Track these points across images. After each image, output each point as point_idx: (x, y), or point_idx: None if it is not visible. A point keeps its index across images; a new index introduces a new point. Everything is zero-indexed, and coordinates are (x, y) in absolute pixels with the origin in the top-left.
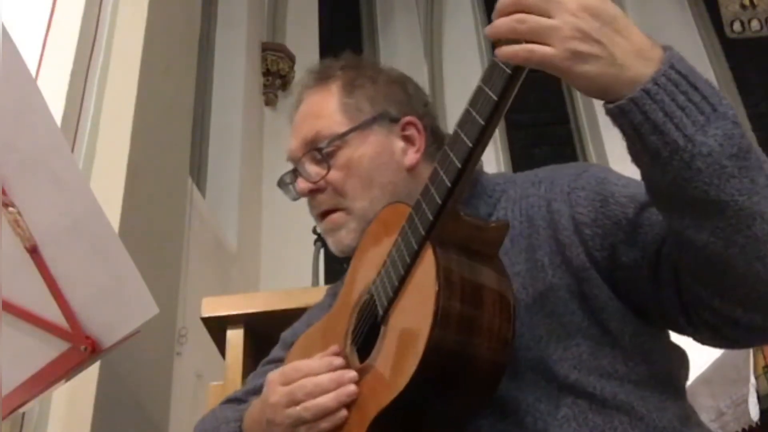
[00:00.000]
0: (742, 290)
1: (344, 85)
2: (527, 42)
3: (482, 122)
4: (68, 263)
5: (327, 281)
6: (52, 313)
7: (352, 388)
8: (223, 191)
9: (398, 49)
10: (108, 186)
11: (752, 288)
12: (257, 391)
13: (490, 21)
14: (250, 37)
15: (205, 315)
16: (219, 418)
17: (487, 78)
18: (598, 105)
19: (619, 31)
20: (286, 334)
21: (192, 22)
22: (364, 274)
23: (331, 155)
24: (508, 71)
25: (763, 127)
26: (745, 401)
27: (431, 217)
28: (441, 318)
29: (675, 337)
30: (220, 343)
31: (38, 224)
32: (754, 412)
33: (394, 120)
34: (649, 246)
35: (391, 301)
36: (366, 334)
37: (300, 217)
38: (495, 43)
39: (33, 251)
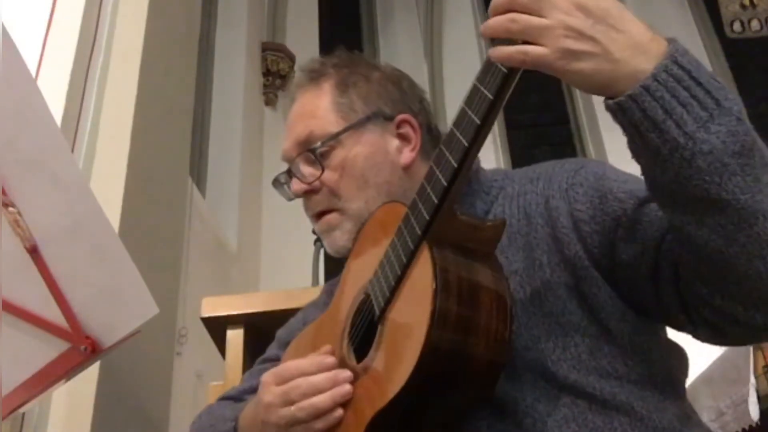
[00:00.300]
0: (742, 288)
1: (337, 83)
2: (522, 42)
3: (478, 121)
4: (68, 263)
5: (327, 281)
6: (52, 313)
7: (347, 387)
8: (223, 191)
9: (398, 49)
10: (108, 186)
11: (753, 286)
12: (254, 389)
13: None
14: (250, 37)
15: (205, 315)
16: (216, 416)
17: (483, 76)
18: (598, 105)
19: (614, 25)
20: (281, 333)
21: (192, 22)
22: (361, 273)
23: (325, 156)
24: (504, 70)
25: (763, 127)
26: (745, 401)
27: (427, 217)
28: (438, 318)
29: (674, 336)
30: (220, 343)
31: (38, 224)
32: (754, 412)
33: (389, 118)
34: (649, 242)
35: (388, 301)
36: (363, 334)
37: (300, 217)
38: (492, 42)
39: (33, 251)
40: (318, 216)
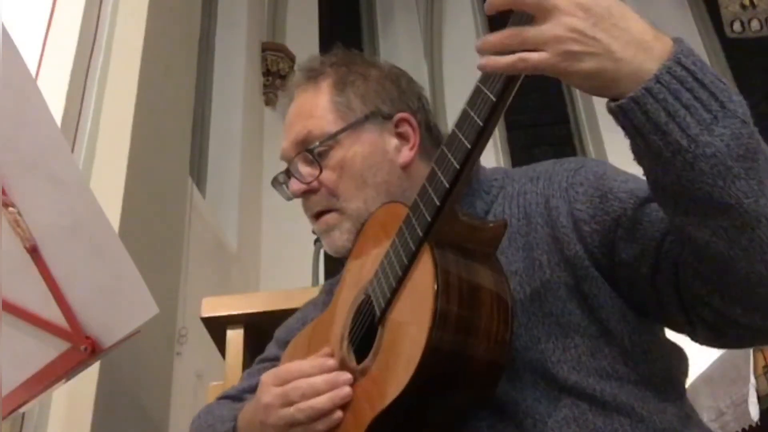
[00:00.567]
0: (742, 290)
1: (335, 82)
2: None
3: (481, 123)
4: (68, 263)
5: (327, 281)
6: (52, 313)
7: (347, 390)
8: (223, 191)
9: (398, 49)
10: (108, 186)
11: (753, 289)
12: (253, 389)
13: (490, 21)
14: (250, 37)
15: (205, 315)
16: (215, 416)
17: (486, 78)
18: (598, 105)
19: (616, 24)
20: (280, 332)
21: (192, 22)
22: (361, 274)
23: (323, 155)
24: None
25: (764, 127)
26: (745, 401)
27: (429, 218)
28: (439, 319)
29: (674, 336)
30: (220, 343)
31: (38, 224)
32: (754, 412)
33: (387, 117)
34: (649, 242)
35: (389, 303)
36: (363, 335)
37: (300, 217)
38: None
39: (33, 251)
40: (317, 216)
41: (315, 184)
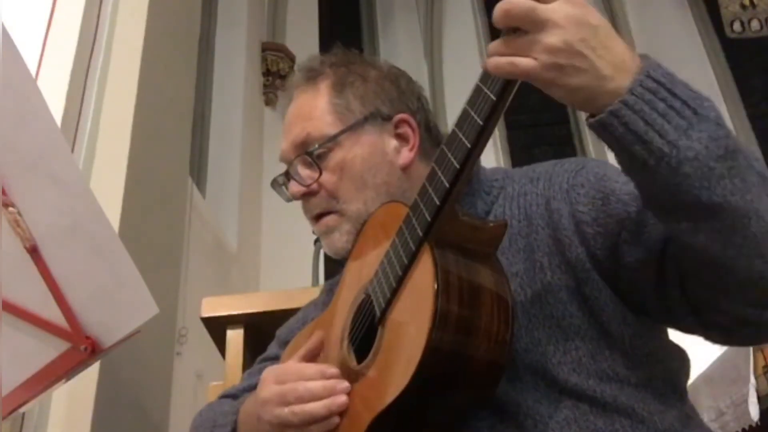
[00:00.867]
0: (746, 289)
1: (334, 83)
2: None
3: (481, 123)
4: (68, 263)
5: (327, 281)
6: (52, 313)
7: (343, 399)
8: (223, 191)
9: (398, 49)
10: (108, 186)
11: (756, 286)
12: (253, 388)
13: (490, 21)
14: (250, 37)
15: (205, 315)
16: (216, 412)
17: (486, 77)
18: None
19: (602, 42)
20: (281, 332)
21: (192, 22)
22: (361, 274)
23: (322, 158)
24: None
25: (763, 127)
26: (745, 401)
27: (429, 218)
28: (440, 319)
29: (674, 336)
30: (220, 343)
31: (38, 224)
32: (754, 412)
33: (387, 118)
34: (655, 245)
35: (389, 302)
36: (363, 335)
37: (300, 217)
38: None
39: (33, 251)
40: (317, 218)
41: (315, 186)
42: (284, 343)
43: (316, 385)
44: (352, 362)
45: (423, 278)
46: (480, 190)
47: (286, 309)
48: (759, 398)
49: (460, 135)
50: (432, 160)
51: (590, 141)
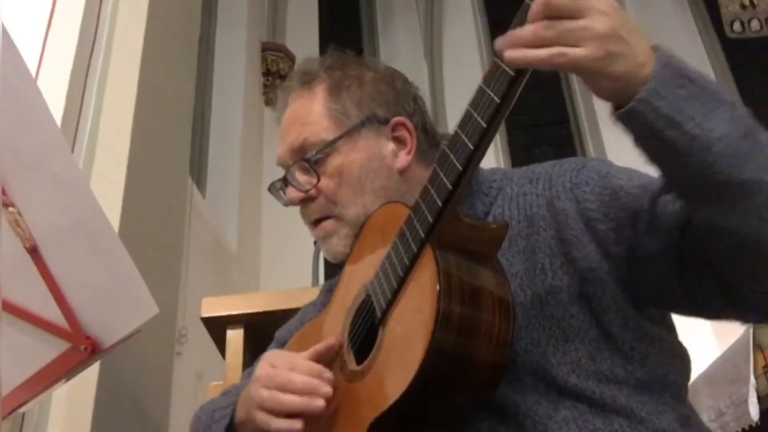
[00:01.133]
0: None
1: (330, 87)
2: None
3: (484, 125)
4: (68, 263)
5: (326, 281)
6: (52, 313)
7: (320, 403)
8: (223, 191)
9: (398, 49)
10: (108, 186)
11: None
12: None
13: (490, 21)
14: (250, 37)
15: (205, 315)
16: (215, 400)
17: (489, 79)
18: (598, 105)
19: (634, 29)
20: (280, 333)
21: (192, 22)
22: (361, 274)
23: (320, 163)
24: (511, 73)
25: (764, 126)
26: (745, 401)
27: (431, 220)
28: (442, 321)
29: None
30: (220, 343)
31: (38, 224)
32: (754, 412)
33: (384, 122)
34: (672, 233)
35: (390, 303)
36: (363, 335)
37: (300, 217)
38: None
39: (33, 251)
40: (315, 223)
41: (313, 192)
42: (283, 344)
43: (300, 379)
44: (352, 363)
45: (425, 279)
46: (479, 191)
47: (286, 309)
48: (759, 398)
49: (463, 136)
50: (429, 162)
51: (590, 141)
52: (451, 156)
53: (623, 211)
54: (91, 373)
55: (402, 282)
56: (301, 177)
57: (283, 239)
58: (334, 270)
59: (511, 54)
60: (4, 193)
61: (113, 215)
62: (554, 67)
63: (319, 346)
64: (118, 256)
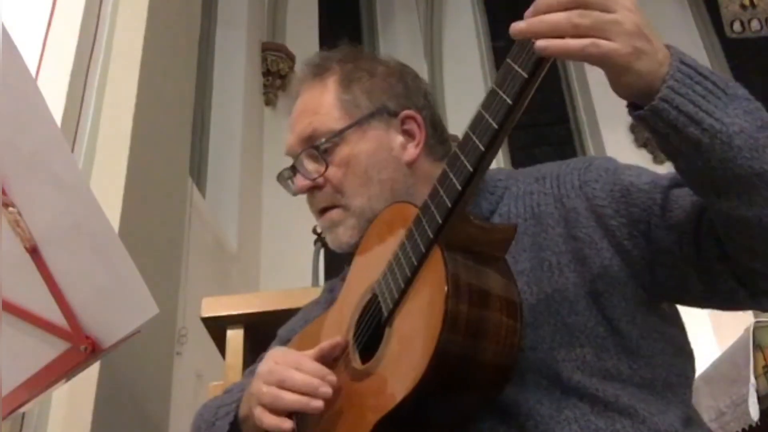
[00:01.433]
0: None
1: (341, 79)
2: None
3: (496, 126)
4: (68, 263)
5: (327, 281)
6: (52, 313)
7: (318, 403)
8: (223, 191)
9: (398, 49)
10: (108, 186)
11: None
12: None
13: (489, 21)
14: (250, 37)
15: (205, 315)
16: (218, 398)
17: (501, 81)
18: (598, 105)
19: (653, 30)
20: (282, 331)
21: (192, 22)
22: (367, 274)
23: (328, 152)
24: (525, 75)
25: None
26: (745, 401)
27: (440, 220)
28: (450, 322)
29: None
30: (220, 343)
31: (38, 224)
32: (754, 412)
33: (393, 114)
34: (686, 226)
35: (397, 303)
36: (369, 334)
37: (300, 217)
38: (517, 42)
39: (33, 251)
40: (321, 212)
41: (320, 180)
42: (286, 342)
43: (300, 377)
44: (357, 362)
45: (433, 280)
46: (484, 190)
47: (286, 309)
48: (759, 398)
49: (474, 138)
50: (437, 157)
51: (590, 141)
52: (462, 157)
53: (635, 206)
54: (91, 373)
55: (409, 282)
56: (309, 165)
57: (283, 239)
58: (334, 270)
59: (545, 43)
60: (4, 193)
61: (113, 215)
62: (585, 57)
63: (324, 345)
64: (118, 256)
